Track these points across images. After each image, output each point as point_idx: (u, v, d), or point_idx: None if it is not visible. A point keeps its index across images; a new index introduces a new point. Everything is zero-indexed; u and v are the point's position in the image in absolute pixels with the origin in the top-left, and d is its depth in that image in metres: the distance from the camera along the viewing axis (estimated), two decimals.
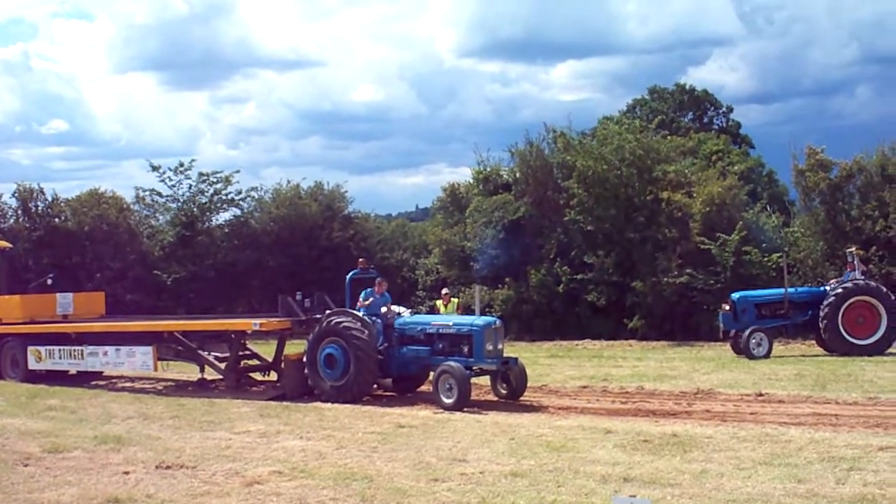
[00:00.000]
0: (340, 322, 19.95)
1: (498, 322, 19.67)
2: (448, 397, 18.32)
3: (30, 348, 25.13)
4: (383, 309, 20.56)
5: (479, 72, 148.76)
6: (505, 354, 19.61)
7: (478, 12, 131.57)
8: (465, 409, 17.85)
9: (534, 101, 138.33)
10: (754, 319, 26.79)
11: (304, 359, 20.54)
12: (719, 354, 27.22)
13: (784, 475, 11.54)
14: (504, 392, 19.50)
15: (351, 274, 21.27)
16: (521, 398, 19.22)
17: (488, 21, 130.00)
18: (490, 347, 18.92)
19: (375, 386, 20.90)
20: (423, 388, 20.80)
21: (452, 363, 18.59)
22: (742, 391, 19.30)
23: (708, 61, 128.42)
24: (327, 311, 20.89)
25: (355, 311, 20.16)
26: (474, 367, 18.96)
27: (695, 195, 34.01)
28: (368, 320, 19.90)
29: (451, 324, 19.79)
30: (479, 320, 19.53)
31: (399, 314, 20.63)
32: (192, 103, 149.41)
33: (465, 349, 19.10)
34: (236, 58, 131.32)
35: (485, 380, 19.91)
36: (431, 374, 19.46)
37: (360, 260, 22.44)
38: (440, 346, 19.55)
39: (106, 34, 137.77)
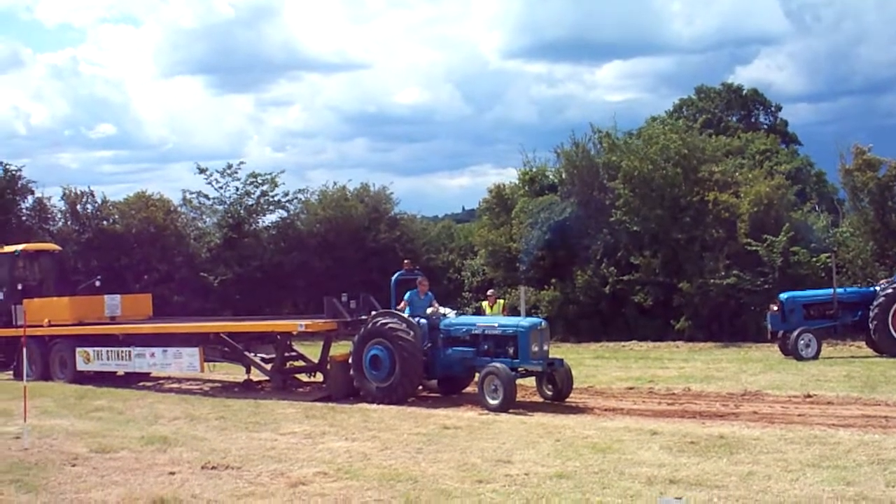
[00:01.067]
0: (386, 323, 19.96)
1: (543, 323, 19.60)
2: (493, 398, 18.25)
3: (78, 349, 25.38)
4: (429, 310, 20.56)
5: (524, 73, 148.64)
6: (550, 356, 19.52)
7: (523, 13, 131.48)
8: (510, 411, 17.79)
9: (579, 102, 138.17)
10: (803, 320, 26.55)
11: (350, 360, 20.57)
12: (767, 356, 27.00)
13: (832, 477, 11.41)
14: (549, 393, 19.42)
15: (396, 275, 21.29)
16: (567, 399, 19.13)
17: (533, 22, 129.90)
18: (535, 348, 18.85)
19: (420, 387, 20.89)
20: (468, 389, 20.75)
21: (498, 364, 18.53)
22: (790, 392, 19.14)
23: (755, 60, 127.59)
24: (373, 313, 20.90)
25: (400, 313, 20.15)
26: (519, 369, 18.90)
27: (742, 195, 33.77)
28: (413, 321, 19.88)
29: (496, 325, 19.73)
30: (524, 321, 19.47)
31: (444, 315, 20.60)
32: (239, 106, 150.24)
33: (511, 350, 19.03)
34: (282, 61, 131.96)
35: (530, 381, 19.84)
36: (477, 375, 19.39)
37: (406, 261, 22.45)
38: (485, 347, 19.48)
39: (153, 38, 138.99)
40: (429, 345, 20.05)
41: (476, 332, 19.73)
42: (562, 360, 19.62)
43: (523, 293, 23.21)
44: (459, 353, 19.83)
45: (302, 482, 12.11)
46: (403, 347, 19.55)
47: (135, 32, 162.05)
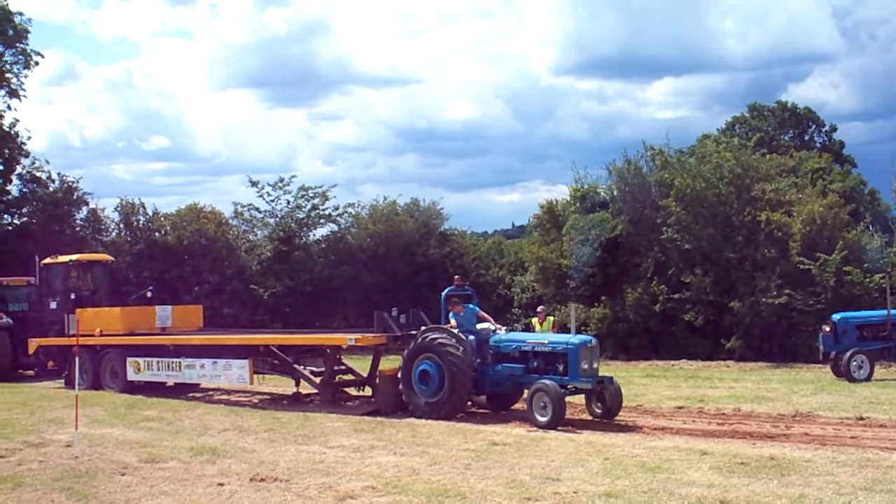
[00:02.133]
0: (435, 338, 19.94)
1: (593, 341, 19.52)
2: (542, 416, 18.17)
3: (129, 359, 25.55)
4: (480, 325, 20.54)
5: (575, 89, 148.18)
6: (600, 373, 19.43)
7: (574, 30, 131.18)
8: (559, 428, 17.72)
9: (630, 119, 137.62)
10: (855, 341, 26.29)
11: (399, 375, 20.58)
12: (818, 377, 26.76)
13: (885, 502, 11.28)
14: (599, 411, 19.32)
15: (446, 291, 21.28)
16: (616, 418, 19.04)
17: (584, 39, 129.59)
18: (585, 366, 18.78)
19: (469, 403, 20.85)
20: (517, 405, 20.69)
21: (547, 381, 18.47)
22: (842, 414, 18.94)
23: (808, 78, 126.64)
24: (422, 328, 20.90)
25: (450, 328, 20.14)
26: (569, 386, 18.83)
27: (795, 214, 33.53)
28: (463, 337, 19.86)
29: (546, 342, 19.67)
30: (574, 338, 19.45)
31: (494, 331, 20.57)
32: (290, 120, 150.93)
33: (560, 367, 18.96)
34: (333, 75, 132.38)
35: (579, 398, 19.74)
36: (526, 391, 19.33)
37: (456, 277, 22.48)
38: (535, 363, 19.40)
39: (206, 52, 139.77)
40: (478, 360, 19.99)
41: (525, 348, 19.68)
42: (611, 377, 19.53)
43: (573, 310, 23.15)
44: (508, 369, 19.75)
45: (350, 496, 12.11)
46: (452, 363, 19.50)
47: (188, 46, 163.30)
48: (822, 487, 12.09)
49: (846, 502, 11.32)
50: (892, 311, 26.83)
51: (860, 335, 26.59)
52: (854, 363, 25.30)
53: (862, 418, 18.34)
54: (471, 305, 20.94)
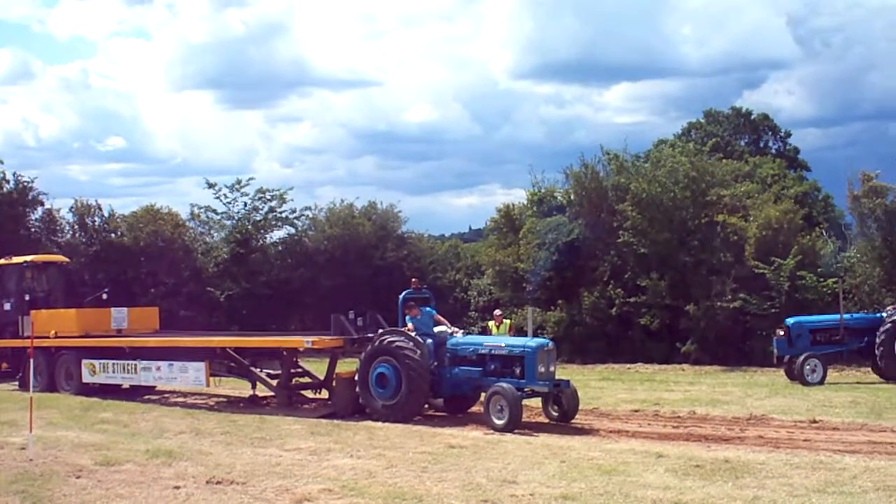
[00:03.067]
0: (392, 341, 19.95)
1: (550, 344, 19.54)
2: (499, 419, 18.19)
3: (84, 361, 25.38)
4: (437, 328, 20.57)
5: (533, 93, 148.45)
6: (557, 377, 19.49)
7: (532, 34, 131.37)
8: (516, 431, 17.77)
9: (588, 123, 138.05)
10: (809, 345, 26.54)
11: (356, 377, 20.57)
12: (773, 380, 26.98)
13: (838, 503, 11.38)
14: (555, 414, 19.37)
15: (404, 294, 21.30)
16: (573, 421, 19.10)
17: (543, 43, 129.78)
18: (542, 369, 18.81)
19: (427, 406, 20.88)
20: (474, 408, 20.73)
21: (504, 384, 18.49)
22: (796, 417, 19.09)
23: (764, 85, 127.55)
24: (380, 331, 20.91)
25: (408, 331, 20.15)
26: (526, 389, 18.86)
27: (751, 219, 33.79)
28: (420, 340, 19.89)
29: (503, 345, 19.71)
30: (531, 342, 19.42)
31: (452, 334, 20.61)
32: (248, 122, 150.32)
33: (517, 371, 18.99)
34: (292, 77, 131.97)
35: (535, 402, 19.80)
36: (483, 395, 19.37)
37: (413, 280, 22.48)
38: (492, 366, 19.44)
39: (163, 53, 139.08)
40: (435, 363, 20.02)
41: (483, 351, 19.70)
42: (568, 381, 19.58)
43: (531, 314, 23.19)
44: (466, 372, 19.78)
45: (307, 499, 12.10)
46: (410, 366, 19.50)
47: (146, 46, 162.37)
48: (776, 490, 12.19)
49: None
50: (846, 316, 27.10)
51: (814, 339, 26.83)
52: (808, 367, 25.50)
53: (815, 421, 18.49)
54: (428, 309, 20.97)
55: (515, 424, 18.03)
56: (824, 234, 36.13)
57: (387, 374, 19.77)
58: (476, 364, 19.71)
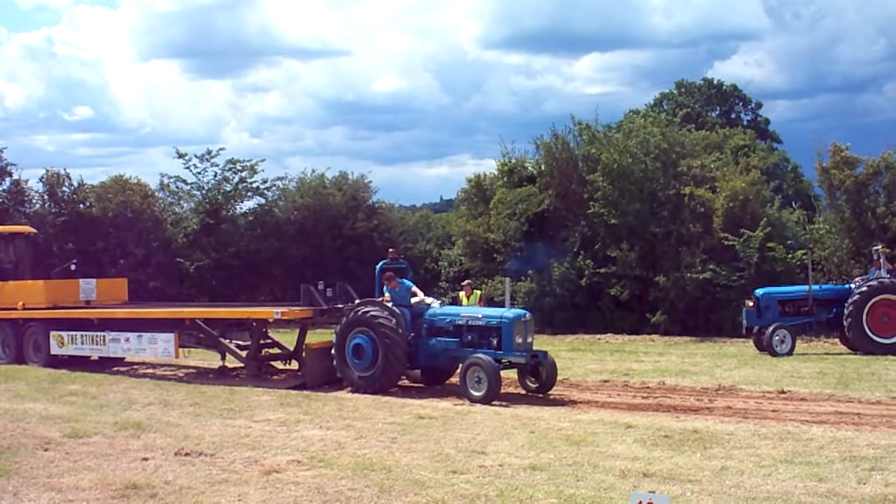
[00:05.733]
0: (369, 312, 19.91)
1: (528, 315, 19.56)
2: (477, 390, 18.19)
3: (52, 333, 25.22)
4: (414, 299, 20.55)
5: (503, 63, 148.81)
6: (534, 348, 19.51)
7: (502, 4, 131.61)
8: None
9: (558, 94, 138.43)
10: (778, 316, 26.69)
11: (333, 348, 20.52)
12: (742, 351, 27.11)
13: (805, 474, 11.46)
14: (533, 386, 19.40)
15: (381, 264, 21.30)
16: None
17: (512, 13, 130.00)
18: (519, 340, 18.83)
19: (403, 377, 20.88)
20: (452, 379, 20.71)
21: (482, 355, 18.48)
22: (764, 388, 19.22)
23: (734, 56, 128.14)
24: (357, 301, 20.90)
25: (385, 302, 20.11)
26: (503, 360, 18.89)
27: (718, 190, 33.87)
28: (397, 311, 19.86)
29: (480, 316, 19.66)
30: (508, 312, 19.40)
31: (429, 305, 20.58)
32: (216, 91, 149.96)
33: (494, 342, 19.01)
34: (260, 46, 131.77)
35: (510, 373, 19.80)
36: (460, 366, 19.33)
37: (390, 250, 22.49)
38: (469, 337, 19.43)
39: (129, 21, 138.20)
40: (412, 335, 20.00)
41: (460, 322, 19.66)
42: (545, 352, 19.54)
43: (508, 285, 23.18)
44: (443, 343, 19.75)
45: (276, 470, 12.08)
46: (387, 337, 19.47)
47: (111, 14, 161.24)
48: (744, 460, 12.27)
49: (767, 474, 11.49)
50: (814, 287, 27.23)
51: (782, 310, 26.98)
52: (776, 338, 25.62)
53: (783, 392, 18.61)
54: (406, 281, 20.91)
55: (493, 396, 18.04)
56: (793, 205, 36.29)
57: (363, 345, 19.75)
58: (453, 335, 19.69)
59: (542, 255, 35.73)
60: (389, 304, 20.01)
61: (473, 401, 17.98)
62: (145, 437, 14.73)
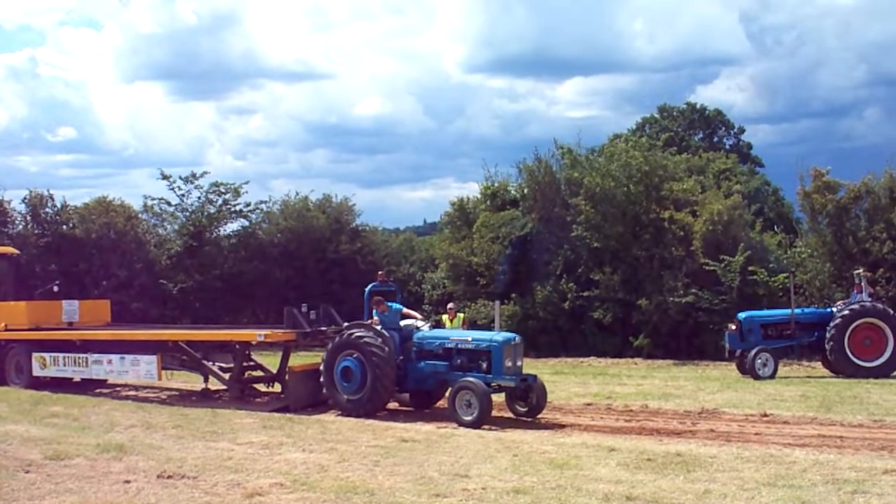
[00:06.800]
0: (358, 335, 19.82)
1: (517, 338, 19.47)
2: (467, 414, 18.08)
3: (34, 355, 25.16)
4: (406, 321, 20.51)
5: (486, 87, 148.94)
6: (523, 371, 19.44)
7: (485, 28, 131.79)
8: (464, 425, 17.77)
9: (541, 118, 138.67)
10: (760, 339, 26.76)
11: (321, 371, 20.43)
12: (724, 374, 27.17)
13: (788, 497, 11.47)
14: (522, 410, 19.29)
15: (370, 287, 21.24)
16: (532, 415, 19.13)
17: (496, 37, 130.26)
18: (509, 364, 18.75)
19: (392, 400, 20.81)
20: (441, 403, 20.61)
21: (472, 379, 18.42)
22: (747, 411, 19.24)
23: (716, 81, 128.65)
24: (346, 324, 20.85)
25: (374, 324, 20.08)
26: (493, 384, 18.79)
27: (698, 214, 33.96)
28: (386, 334, 19.81)
29: (469, 339, 19.56)
30: (498, 336, 19.35)
31: (418, 328, 20.53)
32: (200, 113, 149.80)
33: (484, 365, 18.90)
34: (244, 69, 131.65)
35: (498, 397, 19.64)
36: (449, 389, 19.21)
37: (379, 273, 22.49)
38: (458, 361, 19.30)
39: (113, 43, 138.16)
40: (401, 357, 19.90)
41: (449, 345, 19.54)
42: (535, 376, 19.44)
43: (498, 308, 23.17)
44: (432, 366, 19.62)
45: (258, 493, 12.06)
46: (375, 360, 19.36)
47: (95, 36, 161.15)
48: (727, 483, 12.28)
49: (750, 497, 11.50)
50: (796, 310, 27.30)
51: (765, 333, 27.06)
52: (759, 361, 25.70)
53: (766, 415, 18.64)
54: (396, 305, 20.82)
55: (484, 420, 17.94)
56: (775, 228, 36.41)
57: (352, 367, 19.63)
58: (442, 358, 19.56)
59: (525, 278, 35.80)
60: (378, 327, 19.96)
61: (463, 425, 17.86)
62: (127, 459, 14.67)
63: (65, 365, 24.73)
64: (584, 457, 14.32)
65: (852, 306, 26.30)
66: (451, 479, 12.74)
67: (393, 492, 12.05)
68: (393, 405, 20.94)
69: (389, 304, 20.54)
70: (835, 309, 26.92)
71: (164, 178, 43.95)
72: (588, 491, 11.90)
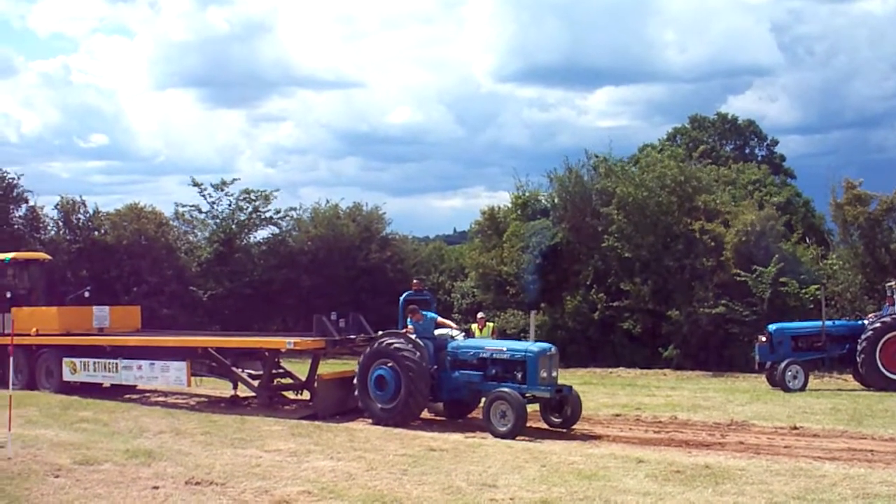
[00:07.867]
0: (392, 344, 19.75)
1: (553, 349, 19.32)
2: (502, 425, 17.99)
3: (65, 360, 25.28)
4: (441, 330, 20.46)
5: (516, 97, 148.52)
6: (559, 382, 19.33)
7: (516, 37, 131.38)
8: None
9: (571, 127, 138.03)
10: (791, 352, 26.60)
11: (354, 379, 20.33)
12: (754, 386, 27.03)
13: None
14: (556, 421, 19.19)
15: (404, 295, 21.15)
16: (560, 426, 19.04)
17: (526, 46, 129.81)
18: (544, 374, 18.64)
19: (426, 410, 20.73)
20: (475, 413, 20.47)
21: (507, 389, 18.32)
22: (776, 424, 19.13)
23: (748, 91, 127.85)
24: (378, 332, 20.80)
25: (408, 333, 20.01)
26: (527, 394, 18.67)
27: (730, 224, 33.82)
28: (420, 343, 19.74)
29: (504, 349, 19.42)
30: (533, 346, 19.24)
31: (453, 337, 20.43)
32: (231, 121, 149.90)
33: (519, 375, 18.77)
34: (275, 77, 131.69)
35: (532, 407, 19.43)
36: (483, 399, 19.10)
37: (415, 281, 22.47)
38: (493, 371, 19.20)
39: (145, 50, 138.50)
40: (435, 367, 19.75)
41: (484, 355, 19.39)
42: (570, 386, 19.35)
43: (533, 318, 23.08)
44: (466, 376, 19.51)
45: (286, 500, 12.07)
46: (409, 369, 19.25)
47: (128, 44, 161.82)
48: (756, 496, 12.21)
49: None
50: (827, 322, 27.15)
51: (795, 346, 26.90)
52: (789, 373, 25.56)
53: (796, 428, 18.53)
54: (431, 314, 20.73)
55: (519, 430, 17.85)
56: (807, 240, 36.21)
57: (386, 377, 19.53)
58: (477, 368, 19.44)
59: (555, 288, 35.74)
60: (413, 336, 19.91)
61: (497, 435, 17.75)
62: (156, 465, 14.71)
63: (95, 370, 24.84)
64: (613, 468, 14.26)
65: (884, 319, 26.10)
66: (478, 489, 12.71)
67: (420, 501, 12.05)
68: (427, 415, 20.89)
69: (424, 312, 20.44)
70: (866, 321, 26.75)
71: (195, 185, 44.26)
72: (616, 502, 11.85)
